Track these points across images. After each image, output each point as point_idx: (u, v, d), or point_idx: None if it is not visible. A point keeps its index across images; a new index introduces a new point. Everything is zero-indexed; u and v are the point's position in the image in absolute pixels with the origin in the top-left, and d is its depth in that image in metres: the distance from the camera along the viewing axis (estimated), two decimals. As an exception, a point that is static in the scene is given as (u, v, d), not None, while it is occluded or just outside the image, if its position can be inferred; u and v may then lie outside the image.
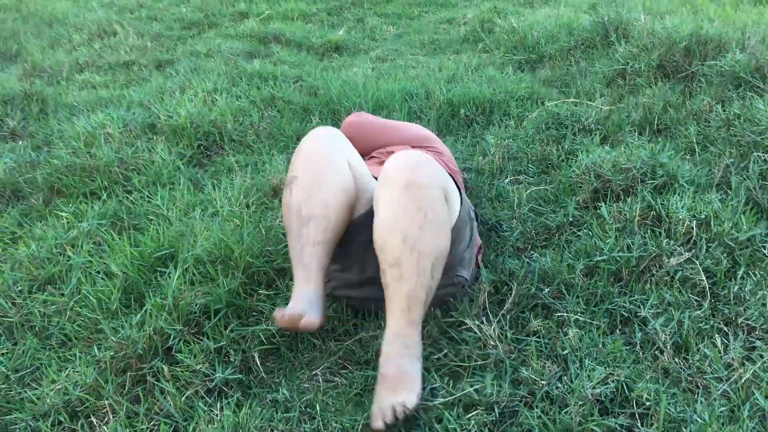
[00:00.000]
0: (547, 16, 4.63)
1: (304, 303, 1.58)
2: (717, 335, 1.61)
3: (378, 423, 1.40)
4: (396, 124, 2.46)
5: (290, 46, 5.04)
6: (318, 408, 1.54)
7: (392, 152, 2.22)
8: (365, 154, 2.30)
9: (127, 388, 1.60)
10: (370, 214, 1.68)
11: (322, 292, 1.65)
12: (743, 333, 1.63)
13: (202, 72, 3.99)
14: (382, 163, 2.16)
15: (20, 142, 3.18)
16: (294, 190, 1.68)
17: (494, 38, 4.63)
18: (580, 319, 1.71)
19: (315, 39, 5.13)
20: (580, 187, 2.22)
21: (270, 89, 3.54)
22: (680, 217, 1.89)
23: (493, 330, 1.69)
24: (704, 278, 1.75)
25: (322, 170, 1.68)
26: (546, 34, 4.09)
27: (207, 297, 1.76)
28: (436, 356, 1.67)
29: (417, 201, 1.53)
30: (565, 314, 1.72)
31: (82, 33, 5.71)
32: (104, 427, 1.51)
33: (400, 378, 1.46)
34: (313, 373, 1.68)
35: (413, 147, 2.27)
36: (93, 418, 1.54)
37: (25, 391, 1.62)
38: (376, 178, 1.86)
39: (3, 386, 1.64)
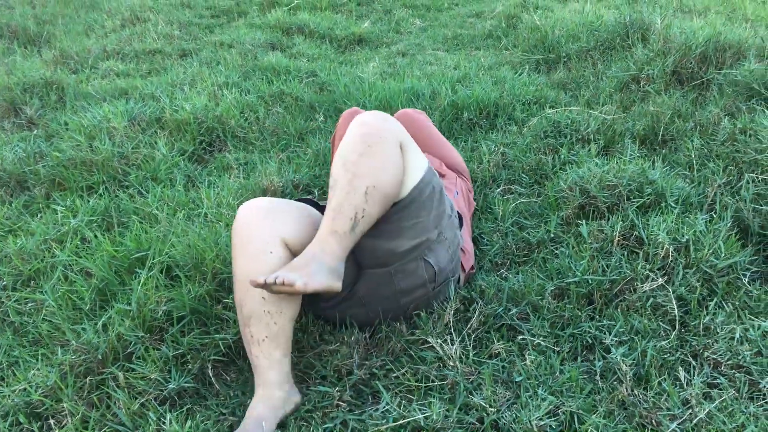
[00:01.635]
0: (574, 13, 4.52)
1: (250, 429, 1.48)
2: (680, 368, 1.56)
3: (258, 279, 1.46)
4: (445, 140, 2.51)
5: (313, 37, 5.04)
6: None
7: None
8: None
9: (86, 393, 1.63)
10: None
11: (277, 394, 1.56)
12: (708, 367, 1.57)
13: (218, 64, 4.01)
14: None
15: (34, 132, 3.26)
16: (235, 287, 1.61)
17: (516, 35, 4.54)
18: (542, 343, 1.67)
19: (339, 31, 5.12)
20: (566, 202, 2.17)
21: (280, 84, 3.55)
22: (659, 239, 1.83)
23: (455, 350, 1.67)
24: (675, 306, 1.70)
25: (251, 261, 1.58)
26: (567, 34, 3.99)
27: (170, 304, 1.78)
28: (394, 374, 1.66)
29: (363, 136, 1.59)
30: (528, 337, 1.69)
31: (115, 19, 5.80)
32: (59, 431, 1.54)
33: (303, 266, 1.50)
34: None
35: (451, 170, 2.34)
36: (51, 421, 1.58)
37: (-8, 389, 1.66)
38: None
39: (-28, 383, 1.69)
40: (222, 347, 1.72)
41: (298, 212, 1.68)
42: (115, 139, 2.87)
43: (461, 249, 1.91)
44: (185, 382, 1.63)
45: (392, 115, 2.45)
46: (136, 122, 3.08)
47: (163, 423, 1.52)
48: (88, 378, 1.65)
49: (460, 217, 2.00)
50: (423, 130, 2.42)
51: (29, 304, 1.95)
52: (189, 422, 1.50)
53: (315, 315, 1.86)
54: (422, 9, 6.09)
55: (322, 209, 1.75)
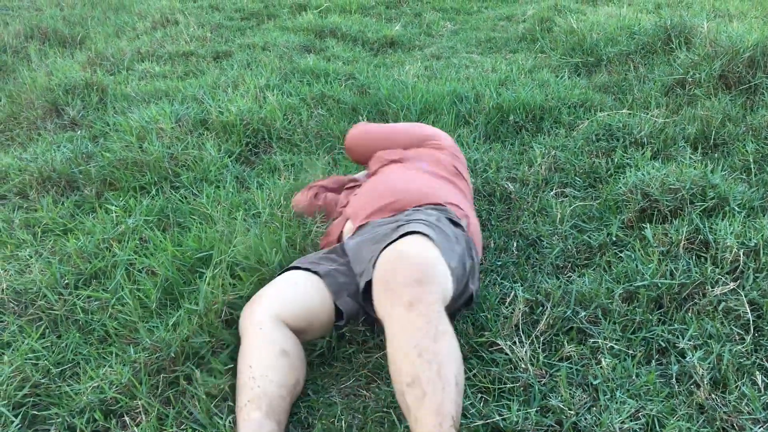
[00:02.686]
0: (608, 16, 4.52)
1: None
2: (758, 372, 1.55)
3: None
4: (394, 128, 2.42)
5: (345, 40, 5.05)
6: (343, 425, 1.55)
7: (389, 160, 2.22)
8: (366, 163, 2.34)
9: (160, 390, 1.64)
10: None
11: None
12: (786, 372, 1.56)
13: (257, 66, 4.03)
14: (374, 173, 2.18)
15: (78, 132, 3.28)
16: (240, 370, 1.58)
17: (552, 38, 4.53)
18: (615, 347, 1.67)
19: (370, 34, 5.13)
20: (626, 205, 2.16)
21: (321, 87, 3.56)
22: (728, 243, 1.82)
23: (525, 352, 1.67)
24: (749, 310, 1.69)
25: (246, 344, 1.61)
26: (606, 37, 3.99)
27: (235, 304, 1.79)
28: (465, 375, 1.66)
29: (425, 315, 1.41)
30: (600, 341, 1.68)
31: (146, 21, 5.85)
32: (135, 428, 1.55)
33: None
34: (342, 386, 1.68)
35: (413, 148, 2.27)
36: (126, 418, 1.58)
37: (64, 386, 1.67)
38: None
39: (44, 380, 1.70)
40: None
41: (306, 312, 1.71)
42: (163, 140, 2.88)
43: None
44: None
45: (346, 139, 2.44)
46: (182, 124, 3.09)
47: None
48: (162, 375, 1.66)
49: (458, 225, 1.90)
50: (376, 138, 2.36)
51: (94, 303, 1.96)
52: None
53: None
54: (452, 12, 6.10)
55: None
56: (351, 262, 1.82)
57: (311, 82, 3.71)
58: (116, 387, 1.63)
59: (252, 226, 2.18)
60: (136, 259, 2.10)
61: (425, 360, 1.34)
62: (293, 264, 1.86)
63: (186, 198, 2.52)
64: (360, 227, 1.95)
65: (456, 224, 1.84)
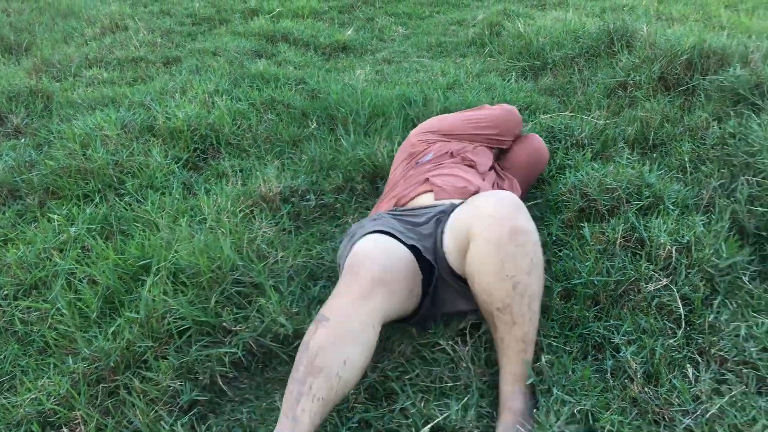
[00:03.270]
0: (555, 20, 4.59)
1: None
2: (688, 365, 1.60)
3: None
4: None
5: (297, 45, 5.04)
6: None
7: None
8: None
9: (99, 400, 1.62)
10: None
11: None
12: (715, 364, 1.62)
13: (206, 72, 4.00)
14: (426, 181, 2.11)
15: (22, 140, 3.22)
16: (319, 331, 1.46)
17: (500, 42, 4.60)
18: (553, 343, 1.71)
19: (323, 38, 5.13)
20: (566, 205, 2.21)
21: (270, 92, 3.55)
22: (661, 241, 1.87)
23: (468, 351, 1.70)
24: (680, 306, 1.74)
25: (354, 321, 1.49)
26: (552, 41, 4.06)
27: (177, 312, 1.77)
28: (408, 376, 1.68)
29: (523, 247, 1.51)
30: (539, 338, 1.72)
31: (95, 27, 5.75)
32: (73, 439, 1.53)
33: (523, 413, 1.51)
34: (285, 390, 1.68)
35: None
36: (64, 429, 1.56)
37: (1, 399, 1.64)
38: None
39: (-20, 393, 1.67)
40: (227, 362, 1.72)
41: (406, 279, 1.64)
42: (108, 147, 2.85)
43: None
44: (196, 395, 1.63)
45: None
46: (128, 130, 3.06)
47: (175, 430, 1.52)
48: (101, 385, 1.64)
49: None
50: (540, 168, 2.50)
51: (34, 313, 1.93)
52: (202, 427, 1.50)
53: None
54: (404, 17, 6.14)
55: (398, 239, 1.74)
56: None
57: (261, 87, 3.69)
58: (54, 398, 1.61)
59: (197, 232, 2.17)
60: (77, 268, 2.08)
61: (518, 293, 1.51)
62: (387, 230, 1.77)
63: (130, 205, 2.49)
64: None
65: None
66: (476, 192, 1.98)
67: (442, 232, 1.72)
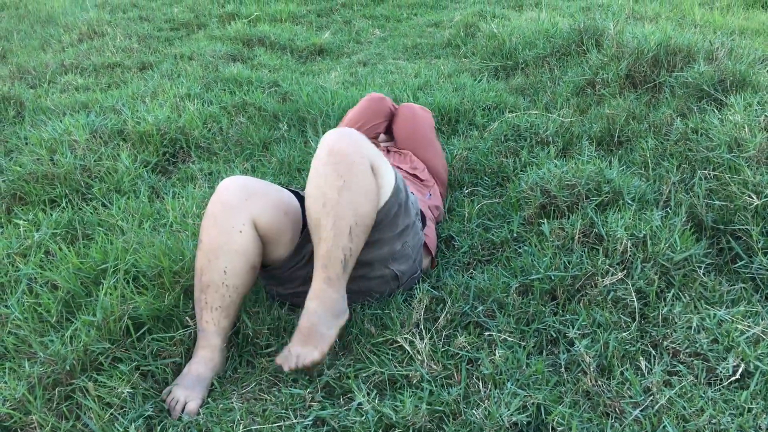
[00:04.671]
0: (530, 21, 4.62)
1: (187, 388, 1.64)
2: (641, 358, 1.62)
3: (282, 366, 1.58)
4: (434, 143, 2.62)
5: (274, 48, 5.05)
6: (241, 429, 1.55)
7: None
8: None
9: (55, 404, 1.62)
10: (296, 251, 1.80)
11: (217, 357, 1.71)
12: (668, 356, 1.63)
13: (178, 76, 4.00)
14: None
15: (-8, 147, 3.21)
16: (198, 254, 1.70)
17: (474, 43, 4.62)
18: (509, 339, 1.72)
19: (299, 42, 5.14)
20: (527, 202, 2.22)
21: (242, 95, 3.56)
22: (618, 235, 1.89)
23: (425, 346, 1.70)
24: (635, 299, 1.76)
25: (221, 235, 1.68)
26: (524, 41, 4.08)
27: (135, 312, 1.78)
28: (364, 374, 1.69)
29: (337, 167, 1.60)
30: (494, 333, 1.73)
31: (72, 33, 5.74)
32: (28, 443, 1.53)
33: (311, 333, 1.58)
34: (243, 391, 1.69)
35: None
36: (19, 434, 1.56)
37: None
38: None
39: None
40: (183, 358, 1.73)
41: (276, 197, 1.75)
42: (77, 152, 2.84)
43: (425, 241, 2.01)
44: (143, 411, 1.62)
45: (399, 105, 2.63)
46: (98, 135, 3.05)
47: None
48: (57, 389, 1.64)
49: (423, 217, 2.05)
50: (419, 131, 2.56)
51: (-7, 319, 1.92)
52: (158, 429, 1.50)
53: (268, 293, 1.96)
54: (382, 19, 6.16)
55: (300, 198, 1.83)
56: None
57: (234, 90, 3.70)
58: (10, 403, 1.60)
59: (161, 234, 2.17)
60: (39, 273, 2.07)
61: (326, 211, 1.60)
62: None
63: (96, 210, 2.49)
64: None
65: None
66: None
67: None
